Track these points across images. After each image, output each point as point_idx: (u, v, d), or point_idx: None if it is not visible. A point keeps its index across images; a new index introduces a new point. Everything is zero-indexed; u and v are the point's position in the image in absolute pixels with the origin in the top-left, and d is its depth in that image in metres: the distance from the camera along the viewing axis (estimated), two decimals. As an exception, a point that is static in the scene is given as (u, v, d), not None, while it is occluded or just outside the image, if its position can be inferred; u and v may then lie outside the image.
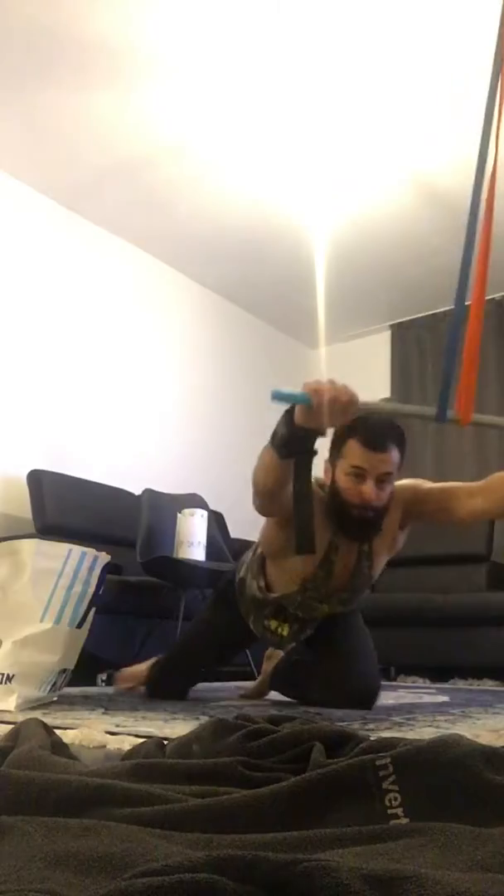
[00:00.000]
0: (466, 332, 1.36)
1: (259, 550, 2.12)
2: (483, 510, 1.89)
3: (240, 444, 4.80)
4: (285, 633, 2.10)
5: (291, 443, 1.51)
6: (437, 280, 4.71)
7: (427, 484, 2.05)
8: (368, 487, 1.83)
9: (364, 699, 1.95)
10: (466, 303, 1.29)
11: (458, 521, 1.96)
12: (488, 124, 1.18)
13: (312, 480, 1.71)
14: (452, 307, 5.02)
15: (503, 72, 1.12)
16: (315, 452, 1.53)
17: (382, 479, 1.85)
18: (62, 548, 2.07)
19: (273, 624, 2.10)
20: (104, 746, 1.21)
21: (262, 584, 2.09)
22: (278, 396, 1.41)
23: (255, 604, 2.11)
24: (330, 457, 1.94)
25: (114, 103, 3.23)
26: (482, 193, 1.21)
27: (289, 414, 1.49)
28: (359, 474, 1.84)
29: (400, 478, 1.95)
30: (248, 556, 2.19)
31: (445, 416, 1.35)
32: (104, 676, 2.70)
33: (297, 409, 1.46)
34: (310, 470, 1.54)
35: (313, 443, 1.51)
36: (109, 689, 2.52)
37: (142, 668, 2.46)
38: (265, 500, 1.75)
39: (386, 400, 1.42)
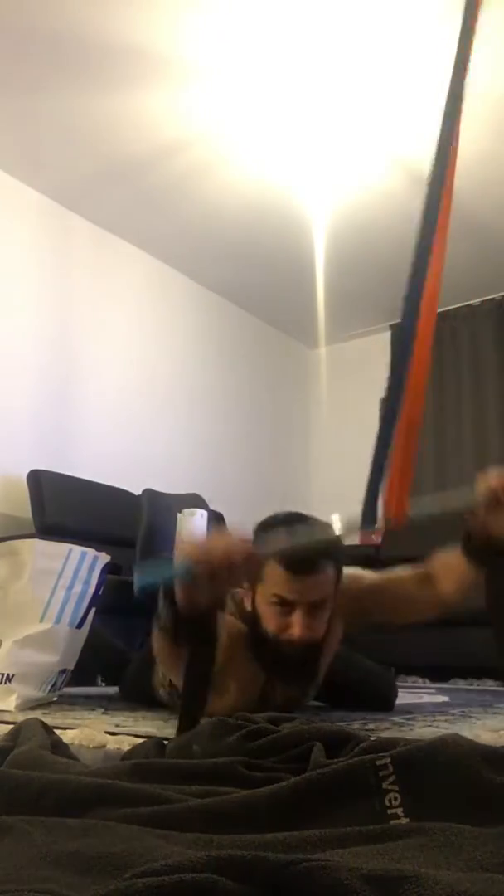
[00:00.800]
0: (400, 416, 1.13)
1: None
2: (448, 596, 1.59)
3: (240, 444, 4.81)
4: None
5: (185, 630, 1.18)
6: (436, 280, 4.71)
7: (366, 577, 1.69)
8: (297, 621, 1.43)
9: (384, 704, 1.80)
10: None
11: (418, 616, 1.67)
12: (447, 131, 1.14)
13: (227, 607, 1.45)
14: (453, 307, 5.07)
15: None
16: (217, 637, 1.21)
17: (316, 606, 1.45)
18: (62, 548, 2.07)
19: None
20: (104, 746, 1.20)
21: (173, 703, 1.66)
22: (142, 585, 1.11)
23: None
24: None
25: (114, 103, 3.23)
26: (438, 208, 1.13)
27: (169, 599, 1.16)
28: (284, 603, 1.44)
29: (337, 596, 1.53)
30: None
31: (372, 525, 1.14)
32: (104, 676, 2.70)
33: (179, 594, 1.13)
34: (213, 661, 1.20)
35: (214, 625, 1.18)
36: (109, 690, 2.53)
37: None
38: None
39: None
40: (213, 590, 1.11)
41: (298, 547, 1.40)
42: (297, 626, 1.43)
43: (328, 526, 1.41)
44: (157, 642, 1.33)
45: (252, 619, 1.50)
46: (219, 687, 1.44)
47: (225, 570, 1.08)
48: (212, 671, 1.21)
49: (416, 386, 1.11)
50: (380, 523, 1.12)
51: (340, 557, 1.53)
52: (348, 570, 1.61)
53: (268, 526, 1.48)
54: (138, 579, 1.13)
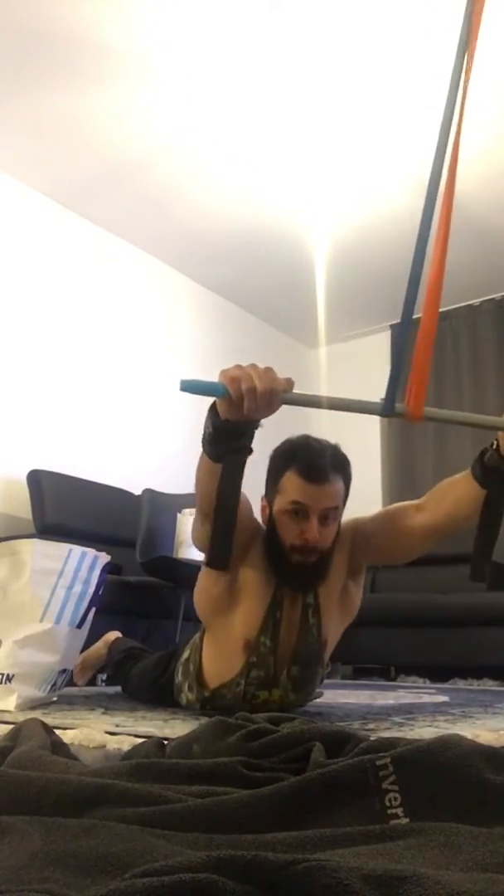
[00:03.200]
0: (421, 322, 1.21)
1: (198, 643, 1.80)
2: (433, 525, 1.63)
3: (240, 444, 4.81)
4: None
5: (220, 440, 1.29)
6: (437, 280, 4.71)
7: (367, 515, 1.80)
8: (311, 526, 1.58)
9: None
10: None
11: (412, 545, 1.70)
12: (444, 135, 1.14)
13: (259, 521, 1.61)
14: (453, 307, 5.09)
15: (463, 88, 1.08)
16: (250, 451, 1.32)
17: (326, 516, 1.60)
18: (62, 548, 2.07)
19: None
20: (104, 746, 1.20)
21: (196, 691, 1.76)
22: (187, 388, 1.17)
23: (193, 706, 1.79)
24: (266, 492, 1.70)
25: (113, 103, 3.23)
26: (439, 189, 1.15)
27: (213, 409, 1.28)
28: (299, 511, 1.60)
29: (344, 511, 1.68)
30: (186, 655, 1.85)
31: (392, 409, 1.18)
32: (104, 676, 2.70)
33: (220, 405, 1.25)
34: (241, 469, 1.33)
35: (247, 437, 1.30)
36: (109, 690, 2.53)
37: (99, 649, 2.44)
38: (206, 522, 1.44)
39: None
40: (243, 409, 1.19)
41: (314, 458, 1.60)
42: (311, 530, 1.58)
43: (337, 446, 1.68)
44: (200, 463, 1.42)
45: (269, 529, 1.66)
46: (234, 593, 1.65)
47: (253, 394, 1.18)
48: (241, 483, 1.34)
49: (431, 294, 1.18)
50: (399, 410, 1.18)
51: (349, 473, 1.67)
52: (353, 518, 1.76)
53: (283, 446, 1.67)
54: (182, 384, 1.17)
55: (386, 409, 1.19)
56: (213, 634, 1.75)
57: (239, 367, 1.21)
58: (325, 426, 5.03)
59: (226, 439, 1.29)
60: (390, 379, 1.20)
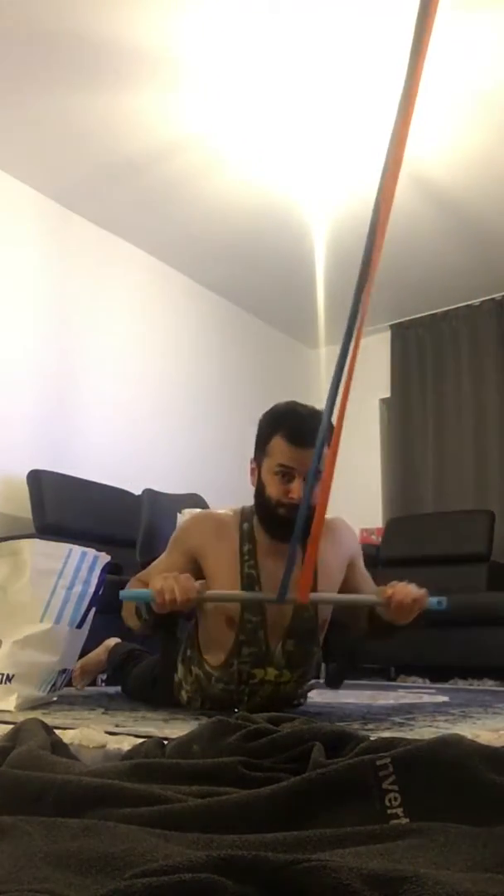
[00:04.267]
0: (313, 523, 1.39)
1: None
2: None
3: (240, 445, 4.79)
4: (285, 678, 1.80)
5: (157, 625, 1.73)
6: (436, 280, 4.72)
7: (361, 564, 1.92)
8: (296, 486, 1.68)
9: None
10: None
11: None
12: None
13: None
14: (453, 307, 5.05)
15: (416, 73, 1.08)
16: (177, 624, 1.76)
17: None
18: (62, 548, 2.07)
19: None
20: (104, 746, 1.21)
21: (193, 681, 1.85)
22: (125, 597, 1.68)
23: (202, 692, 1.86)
24: (255, 456, 1.80)
25: (114, 104, 3.23)
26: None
27: (147, 605, 1.65)
28: (285, 473, 1.70)
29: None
30: (185, 652, 1.92)
31: (283, 599, 1.52)
32: (104, 676, 2.70)
33: (153, 603, 1.59)
34: (175, 636, 1.79)
35: (176, 618, 1.72)
36: (109, 690, 2.53)
37: (99, 654, 2.47)
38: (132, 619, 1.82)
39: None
40: (173, 609, 1.55)
41: (300, 423, 1.70)
42: (296, 490, 1.68)
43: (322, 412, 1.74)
44: (131, 620, 1.78)
45: (258, 488, 1.78)
46: (207, 582, 1.75)
47: (173, 602, 1.52)
48: (176, 648, 1.80)
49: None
50: (290, 598, 1.54)
51: (331, 437, 1.71)
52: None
53: (271, 411, 1.81)
54: (122, 594, 1.65)
55: (280, 599, 1.54)
56: (202, 621, 1.84)
57: (164, 577, 1.55)
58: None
59: (163, 621, 1.68)
60: (285, 574, 1.51)
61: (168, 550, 1.90)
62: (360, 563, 1.91)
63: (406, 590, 1.59)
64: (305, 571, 1.48)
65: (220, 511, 1.91)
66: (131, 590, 1.65)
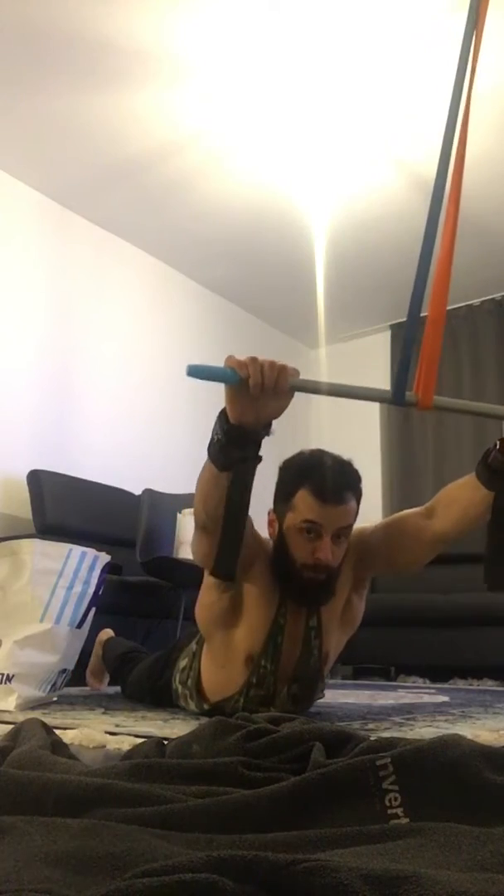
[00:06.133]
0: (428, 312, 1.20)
1: (195, 650, 1.80)
2: (442, 532, 1.61)
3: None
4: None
5: (230, 446, 1.28)
6: (437, 280, 4.71)
7: (371, 525, 1.78)
8: (324, 546, 1.55)
9: None
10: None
11: (420, 553, 1.69)
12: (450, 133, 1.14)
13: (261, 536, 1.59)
14: (453, 307, 5.07)
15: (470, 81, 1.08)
16: (259, 458, 1.30)
17: (339, 535, 1.58)
18: (62, 548, 2.07)
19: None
20: (104, 746, 1.21)
21: (196, 700, 1.76)
22: (195, 373, 1.17)
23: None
24: (275, 506, 1.66)
25: (114, 103, 3.23)
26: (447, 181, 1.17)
27: (223, 415, 1.29)
28: (311, 529, 1.56)
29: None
30: (184, 663, 1.85)
31: (403, 398, 1.19)
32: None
33: (229, 403, 1.25)
34: (252, 478, 1.30)
35: (256, 445, 1.28)
36: (109, 690, 2.53)
37: (97, 653, 2.47)
38: (205, 536, 1.42)
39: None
40: (255, 399, 1.20)
41: (329, 477, 1.56)
42: (324, 550, 1.54)
43: (351, 463, 1.64)
44: (205, 472, 1.39)
45: (278, 543, 1.62)
46: (237, 610, 1.63)
47: (264, 376, 1.18)
48: (250, 493, 1.30)
49: (440, 281, 1.17)
50: (410, 399, 1.19)
51: (361, 490, 1.63)
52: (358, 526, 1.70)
53: (296, 461, 1.63)
54: (190, 368, 1.17)
55: (397, 398, 1.18)
56: (212, 647, 1.73)
57: (242, 358, 1.21)
58: (325, 425, 5.03)
59: (236, 446, 1.27)
60: (399, 368, 1.20)
61: None
62: (375, 529, 1.74)
63: None
64: (426, 367, 1.20)
65: (266, 537, 1.70)
66: (203, 366, 1.20)
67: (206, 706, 1.73)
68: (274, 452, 1.75)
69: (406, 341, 1.19)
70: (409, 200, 3.80)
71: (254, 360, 1.19)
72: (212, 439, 1.33)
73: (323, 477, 1.57)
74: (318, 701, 2.07)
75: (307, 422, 5.37)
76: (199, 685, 1.75)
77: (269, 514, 1.67)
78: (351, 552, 1.67)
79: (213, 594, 1.65)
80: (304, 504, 1.57)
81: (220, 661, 1.70)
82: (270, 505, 1.68)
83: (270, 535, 1.66)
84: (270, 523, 1.66)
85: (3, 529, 3.34)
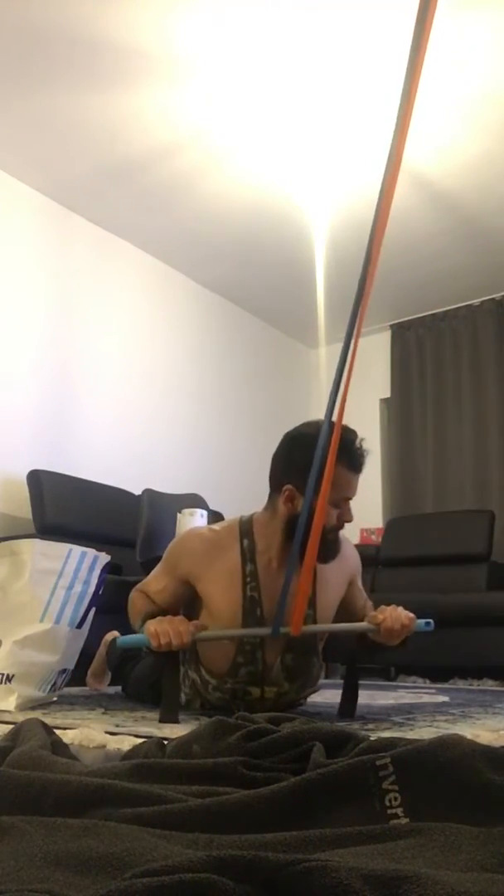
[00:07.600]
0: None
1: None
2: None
3: (240, 444, 4.81)
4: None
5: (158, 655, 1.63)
6: (437, 281, 4.72)
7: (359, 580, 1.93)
8: (348, 510, 1.70)
9: None
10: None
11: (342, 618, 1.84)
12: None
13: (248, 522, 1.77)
14: (453, 307, 5.05)
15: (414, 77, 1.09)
16: (178, 654, 1.64)
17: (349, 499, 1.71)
18: (62, 548, 2.07)
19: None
20: (104, 746, 1.21)
21: (190, 689, 1.85)
22: (123, 644, 1.68)
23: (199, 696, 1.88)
24: (294, 480, 1.67)
25: (113, 103, 3.23)
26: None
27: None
28: (344, 502, 1.68)
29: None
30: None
31: (278, 632, 1.59)
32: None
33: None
34: (178, 665, 1.68)
35: (178, 655, 1.65)
36: (109, 690, 2.53)
37: (101, 654, 2.47)
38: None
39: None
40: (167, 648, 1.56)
41: (357, 451, 1.68)
42: (348, 514, 1.70)
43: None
44: (132, 607, 1.77)
45: (292, 517, 1.66)
46: (202, 607, 1.76)
47: (168, 644, 1.55)
48: (179, 673, 1.72)
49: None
50: (283, 630, 1.60)
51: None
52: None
53: (314, 437, 1.60)
54: (119, 642, 1.68)
55: (274, 633, 1.60)
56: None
57: (158, 621, 1.58)
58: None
59: (162, 656, 1.62)
60: (278, 610, 1.60)
61: (162, 568, 1.83)
62: (359, 580, 1.90)
63: (396, 614, 1.62)
64: (299, 603, 1.52)
65: (213, 528, 1.83)
66: (127, 637, 1.66)
67: (200, 690, 1.80)
68: (271, 449, 1.79)
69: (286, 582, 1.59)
70: (409, 201, 3.79)
71: (164, 631, 1.55)
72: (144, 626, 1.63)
73: (353, 452, 1.66)
74: (318, 701, 2.07)
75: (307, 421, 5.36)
76: (197, 669, 1.80)
77: (287, 490, 1.68)
78: (352, 566, 1.85)
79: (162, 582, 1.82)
80: (343, 481, 1.64)
81: (208, 644, 1.76)
82: (262, 491, 1.77)
83: (289, 510, 1.68)
84: (289, 498, 1.68)
85: (3, 529, 3.34)
